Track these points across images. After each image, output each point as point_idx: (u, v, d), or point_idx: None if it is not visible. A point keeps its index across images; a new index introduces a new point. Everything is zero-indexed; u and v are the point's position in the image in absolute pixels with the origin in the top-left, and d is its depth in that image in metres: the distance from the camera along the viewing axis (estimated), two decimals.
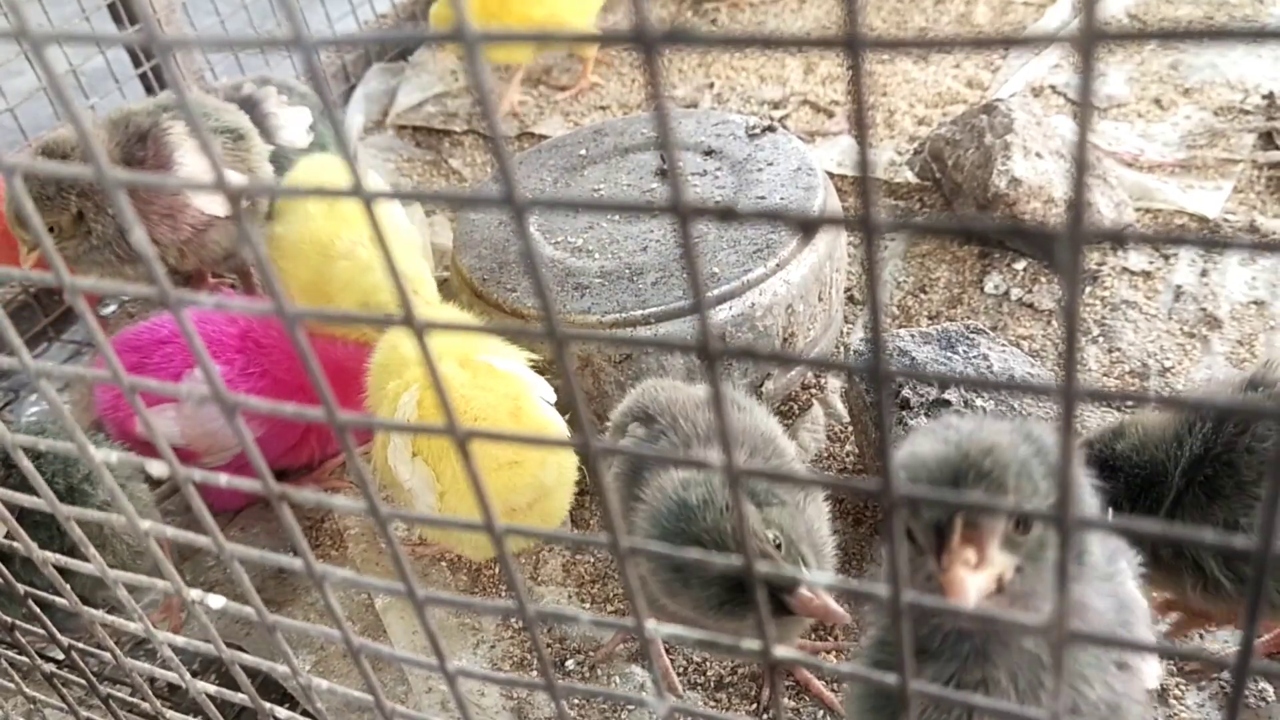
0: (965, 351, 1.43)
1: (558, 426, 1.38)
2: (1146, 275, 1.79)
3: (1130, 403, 1.45)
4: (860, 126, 0.34)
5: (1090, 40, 0.31)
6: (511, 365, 1.39)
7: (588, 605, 1.47)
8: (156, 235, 1.70)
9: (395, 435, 1.35)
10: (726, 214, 0.39)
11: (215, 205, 1.73)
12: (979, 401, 1.36)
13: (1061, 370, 0.36)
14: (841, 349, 1.76)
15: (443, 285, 1.85)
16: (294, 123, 1.94)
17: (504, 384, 1.36)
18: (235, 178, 1.63)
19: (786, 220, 0.38)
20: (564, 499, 1.43)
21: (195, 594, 0.69)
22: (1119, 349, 1.68)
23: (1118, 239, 0.35)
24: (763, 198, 1.69)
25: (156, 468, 0.60)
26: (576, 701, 1.26)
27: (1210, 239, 0.42)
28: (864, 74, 0.33)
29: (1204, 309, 1.71)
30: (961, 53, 2.54)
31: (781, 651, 0.51)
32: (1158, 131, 2.10)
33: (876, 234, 0.37)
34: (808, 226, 0.37)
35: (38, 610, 0.84)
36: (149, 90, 2.31)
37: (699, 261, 0.40)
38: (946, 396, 1.35)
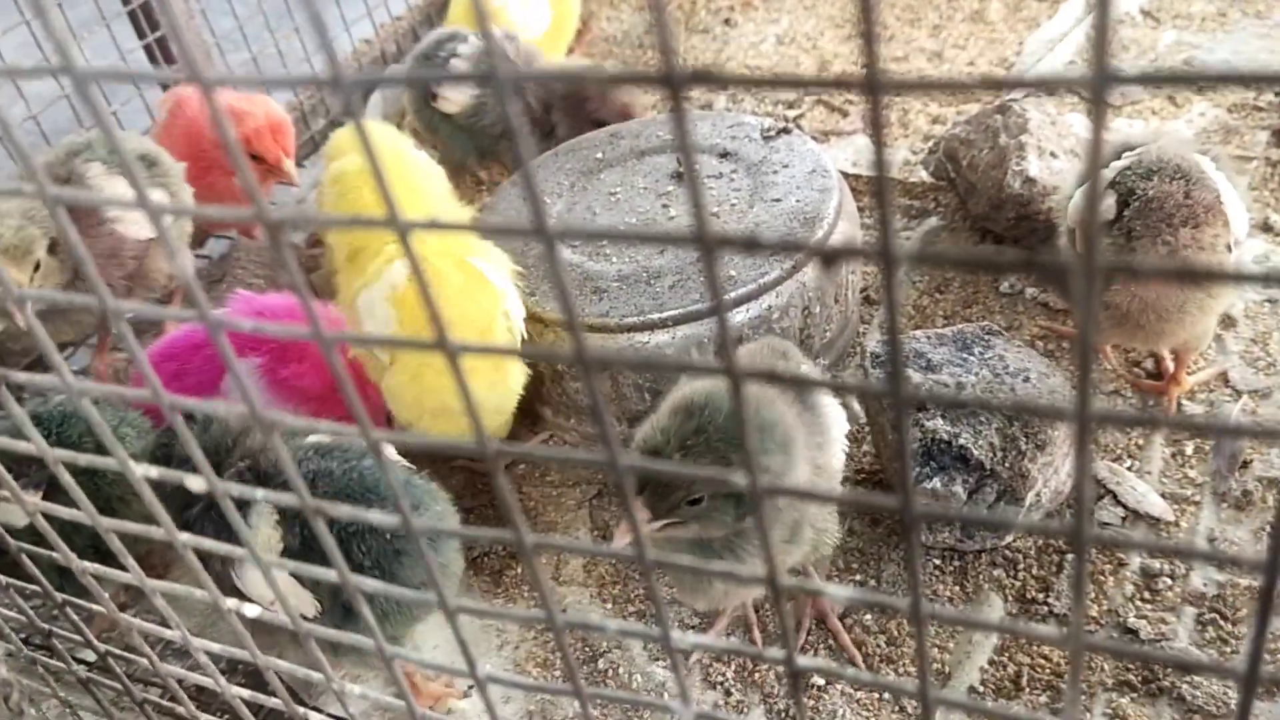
0: (981, 353, 1.44)
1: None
2: None
3: (1143, 426, 1.45)
4: (880, 165, 0.36)
5: (1101, 83, 0.33)
6: (497, 276, 1.47)
7: (609, 606, 1.48)
8: (106, 276, 1.72)
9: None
10: (750, 244, 0.41)
11: (145, 229, 1.76)
12: (995, 403, 1.36)
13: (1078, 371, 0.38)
14: (858, 350, 1.77)
15: None
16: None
17: (488, 297, 1.45)
18: (160, 196, 1.64)
19: (808, 251, 0.40)
20: (499, 422, 1.57)
21: (231, 602, 0.71)
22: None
23: (1129, 271, 0.36)
24: (778, 200, 1.70)
25: (196, 483, 0.62)
26: (598, 702, 1.28)
27: (1221, 272, 0.43)
28: (883, 108, 0.35)
29: None
30: (975, 49, 2.55)
31: (805, 661, 0.52)
32: (1172, 128, 2.10)
33: (895, 265, 0.39)
34: (828, 258, 0.39)
35: (76, 618, 0.87)
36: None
37: (720, 282, 0.41)
38: (963, 398, 1.36)
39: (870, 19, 0.33)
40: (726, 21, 2.86)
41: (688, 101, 0.37)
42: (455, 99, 2.08)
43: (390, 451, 1.33)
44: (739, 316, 1.55)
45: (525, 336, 1.52)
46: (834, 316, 1.69)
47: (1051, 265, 0.37)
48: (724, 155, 1.84)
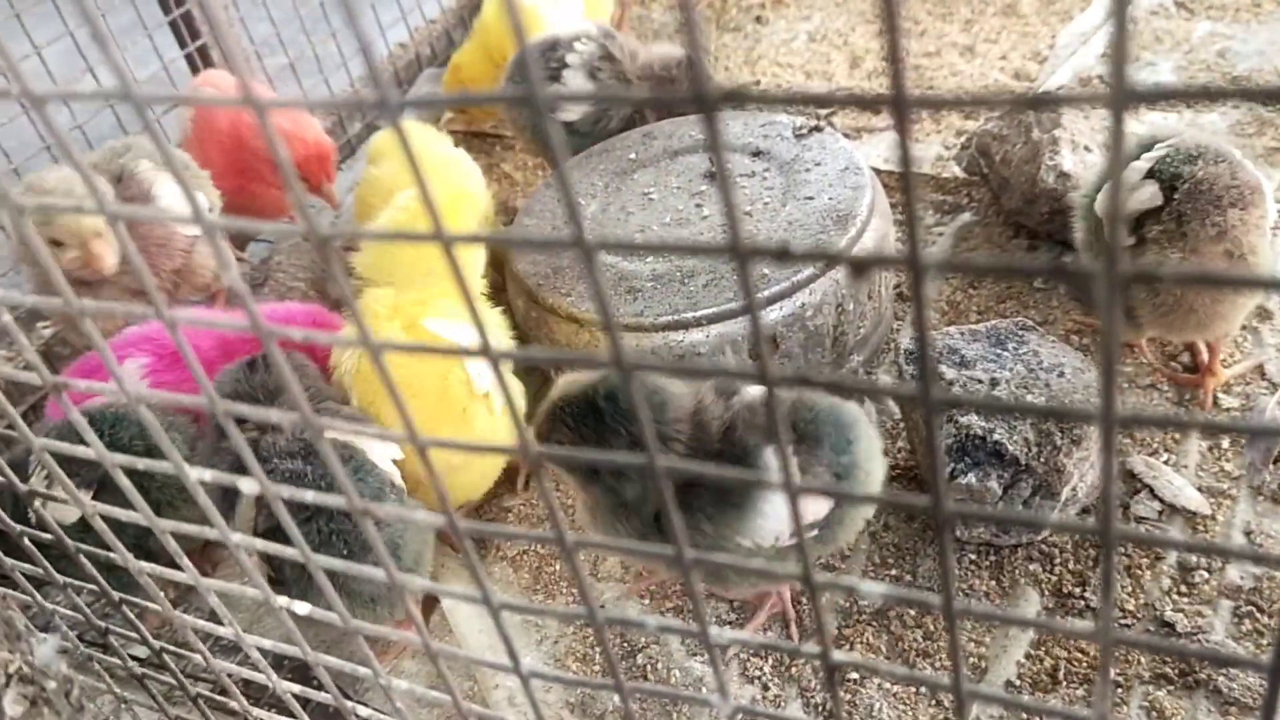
0: (1015, 349, 1.44)
1: (486, 412, 1.49)
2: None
3: (1169, 427, 1.45)
4: (907, 179, 0.37)
5: (1121, 101, 0.34)
6: (456, 333, 1.49)
7: (646, 601, 1.50)
8: (157, 265, 1.79)
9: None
10: (782, 255, 0.42)
11: (192, 227, 1.82)
12: (1029, 398, 1.37)
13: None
14: (892, 347, 1.78)
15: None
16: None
17: (441, 361, 1.46)
18: (203, 200, 1.66)
19: (839, 261, 0.41)
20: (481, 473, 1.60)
21: (282, 600, 0.74)
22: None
23: (1152, 279, 0.38)
24: (811, 198, 1.71)
25: (248, 485, 0.64)
26: (638, 696, 1.30)
27: (1249, 279, 0.44)
28: (908, 136, 0.36)
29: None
30: (1008, 43, 2.54)
31: (841, 656, 0.54)
32: (1206, 121, 2.08)
33: (924, 274, 0.40)
34: (859, 268, 0.40)
35: (131, 615, 0.89)
36: None
37: (755, 293, 0.42)
38: (997, 393, 1.37)
39: (896, 41, 0.35)
40: (758, 19, 2.87)
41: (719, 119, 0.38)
42: (575, 107, 2.09)
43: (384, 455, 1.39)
44: (773, 314, 1.56)
45: (504, 400, 1.53)
46: (867, 313, 1.69)
47: (1077, 271, 0.38)
48: (756, 154, 1.85)
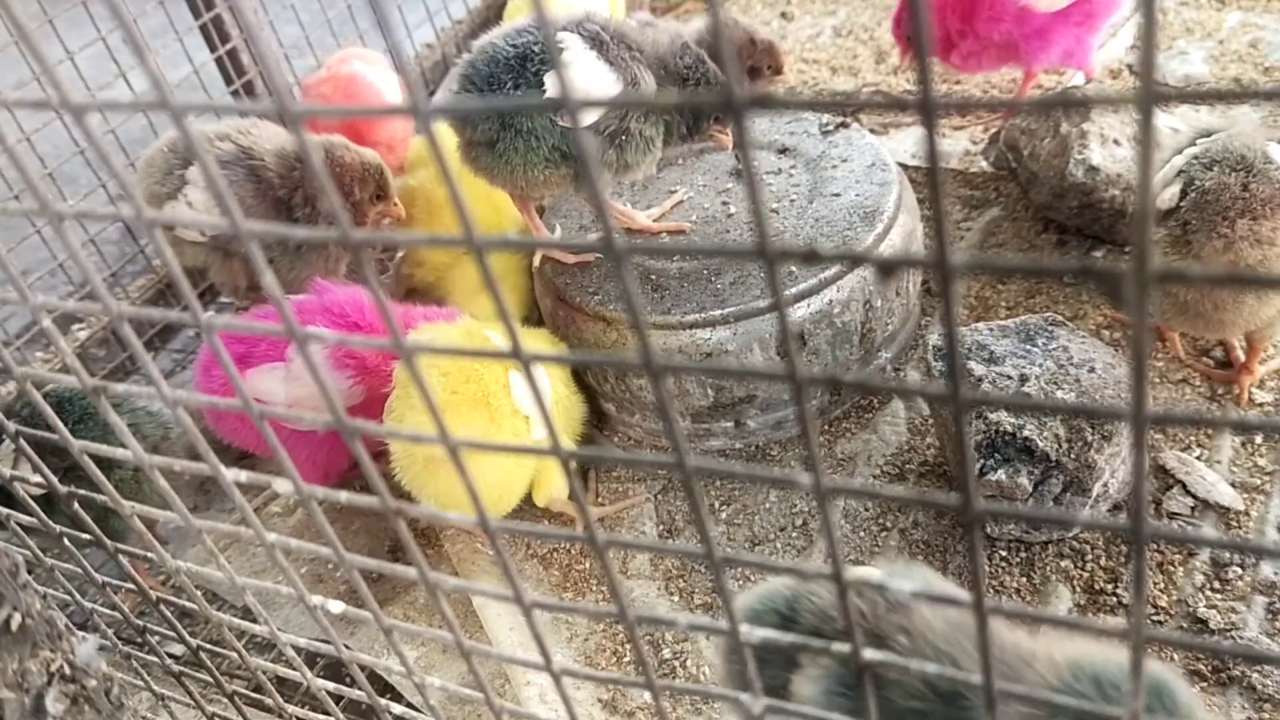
0: (1045, 344, 1.44)
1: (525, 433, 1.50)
2: None
3: (1199, 426, 1.44)
4: (934, 186, 0.37)
5: (1148, 101, 0.34)
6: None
7: (675, 598, 1.51)
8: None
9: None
10: (810, 257, 0.42)
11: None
12: (1059, 394, 1.36)
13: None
14: (920, 343, 1.78)
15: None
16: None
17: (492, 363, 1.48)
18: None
19: (866, 262, 0.42)
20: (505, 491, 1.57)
21: (316, 599, 0.75)
22: (1202, 336, 1.67)
23: (1181, 278, 0.38)
24: (838, 195, 1.70)
25: (283, 485, 0.65)
26: (669, 693, 1.31)
27: (1267, 277, 0.44)
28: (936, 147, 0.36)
29: None
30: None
31: (871, 654, 0.54)
32: (1238, 112, 2.06)
33: (952, 276, 0.40)
34: (886, 269, 0.40)
35: (168, 615, 0.91)
36: None
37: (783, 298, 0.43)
38: (1026, 390, 1.37)
39: (923, 43, 0.35)
40: (783, 14, 2.86)
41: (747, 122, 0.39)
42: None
43: None
44: (800, 311, 1.56)
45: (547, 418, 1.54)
46: (895, 310, 1.69)
47: (1105, 272, 0.38)
48: (783, 151, 1.85)
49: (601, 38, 1.49)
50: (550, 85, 1.48)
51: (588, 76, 1.47)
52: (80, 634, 0.93)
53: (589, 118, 1.49)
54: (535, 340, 1.62)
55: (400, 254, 2.07)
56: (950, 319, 0.42)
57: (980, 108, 0.37)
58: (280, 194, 1.80)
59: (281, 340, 1.62)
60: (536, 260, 1.78)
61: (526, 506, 1.70)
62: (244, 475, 0.67)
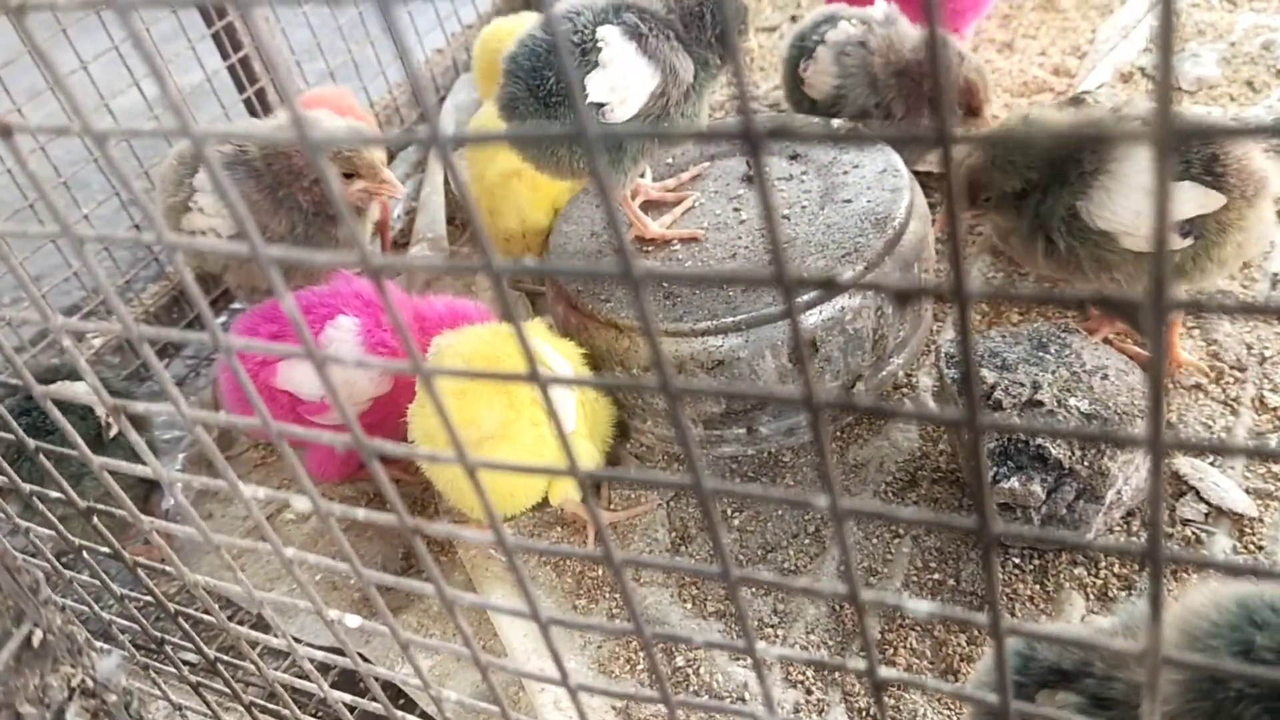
0: (1057, 351, 1.44)
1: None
2: (1244, 264, 1.77)
3: (1215, 453, 1.44)
4: (952, 213, 0.38)
5: (1166, 136, 0.34)
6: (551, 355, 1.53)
7: (688, 606, 1.51)
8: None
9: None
10: (828, 285, 0.43)
11: None
12: (1072, 401, 1.36)
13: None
14: (931, 349, 1.78)
15: None
16: None
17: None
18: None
19: (884, 290, 0.42)
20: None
21: (334, 614, 0.75)
22: (1215, 340, 1.66)
23: (1199, 308, 0.38)
24: (849, 201, 1.70)
25: (301, 503, 0.66)
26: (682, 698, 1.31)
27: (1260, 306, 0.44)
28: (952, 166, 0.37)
29: None
30: (1047, 38, 2.52)
31: (887, 673, 0.54)
32: (1250, 115, 2.06)
33: (969, 303, 0.40)
34: (904, 298, 0.41)
35: (188, 627, 0.91)
36: (252, 112, 2.41)
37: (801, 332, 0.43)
38: (1039, 398, 1.36)
39: (937, 54, 0.35)
40: (793, 18, 2.86)
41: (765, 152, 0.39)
42: (817, 85, 2.05)
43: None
44: (812, 318, 1.56)
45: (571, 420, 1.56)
46: (907, 316, 1.69)
47: (1121, 301, 0.39)
48: (794, 157, 1.85)
49: (640, 30, 1.50)
50: (592, 89, 1.49)
51: (628, 74, 1.49)
52: (101, 646, 0.94)
53: (628, 112, 1.51)
54: (562, 348, 1.61)
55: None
56: (966, 345, 0.42)
57: (992, 140, 0.38)
58: (278, 192, 1.81)
59: (316, 322, 1.64)
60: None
61: (539, 506, 1.70)
62: (262, 492, 0.68)
